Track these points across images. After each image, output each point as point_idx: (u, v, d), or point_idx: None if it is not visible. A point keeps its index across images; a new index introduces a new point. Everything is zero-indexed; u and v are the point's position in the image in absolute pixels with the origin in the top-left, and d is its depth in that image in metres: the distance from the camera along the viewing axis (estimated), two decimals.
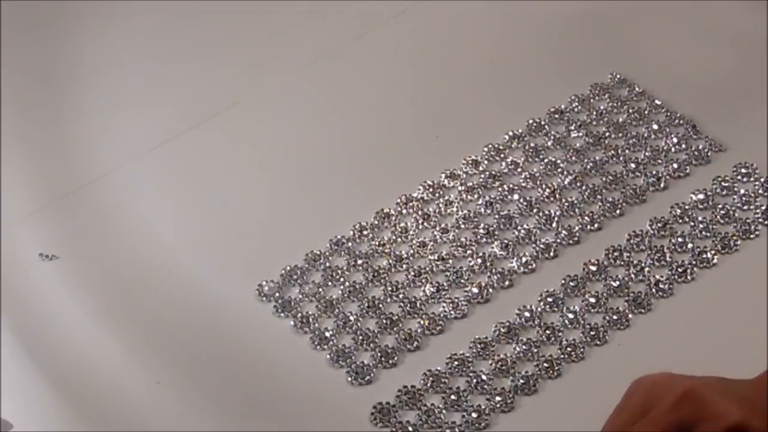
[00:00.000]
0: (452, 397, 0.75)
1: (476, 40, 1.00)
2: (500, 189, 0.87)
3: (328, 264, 0.84)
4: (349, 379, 0.77)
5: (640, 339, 0.78)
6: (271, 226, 0.87)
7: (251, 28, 1.03)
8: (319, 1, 1.04)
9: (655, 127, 0.90)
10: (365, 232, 0.85)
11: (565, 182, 0.87)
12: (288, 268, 0.83)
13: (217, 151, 0.93)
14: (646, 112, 0.91)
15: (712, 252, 0.82)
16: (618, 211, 0.85)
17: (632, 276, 0.81)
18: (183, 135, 0.94)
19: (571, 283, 0.81)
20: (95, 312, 0.82)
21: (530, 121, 0.91)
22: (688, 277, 0.81)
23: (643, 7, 1.00)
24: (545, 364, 0.76)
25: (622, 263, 0.82)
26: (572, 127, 0.91)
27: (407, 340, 0.79)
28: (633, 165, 0.88)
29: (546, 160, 0.89)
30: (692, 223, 0.83)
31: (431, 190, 0.88)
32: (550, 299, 0.80)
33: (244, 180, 0.91)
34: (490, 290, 0.81)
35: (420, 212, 0.86)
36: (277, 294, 0.82)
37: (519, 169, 0.88)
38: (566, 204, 0.86)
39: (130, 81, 0.99)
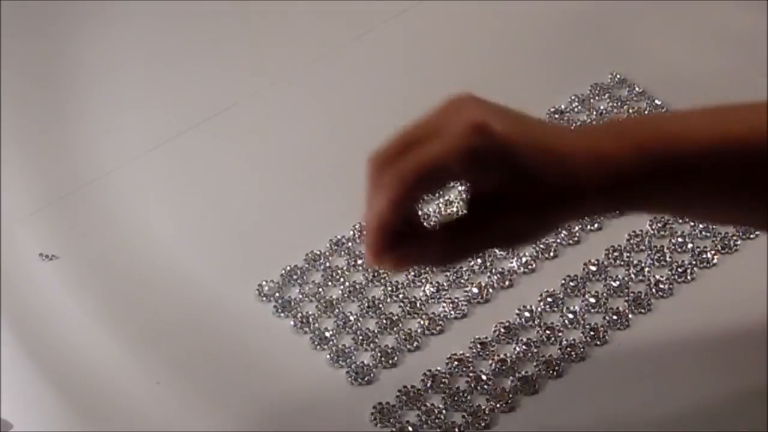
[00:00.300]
0: (452, 397, 0.75)
1: (476, 40, 1.00)
2: None
3: (328, 264, 0.84)
4: (349, 379, 0.77)
5: (640, 339, 0.78)
6: (271, 226, 0.87)
7: (251, 28, 1.03)
8: (319, 1, 1.04)
9: None
10: (365, 232, 0.85)
11: None
12: (288, 268, 0.83)
13: (217, 151, 0.93)
14: (646, 112, 0.91)
15: (712, 252, 0.82)
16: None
17: (632, 276, 0.81)
18: (183, 135, 0.94)
19: (571, 283, 0.81)
20: (95, 312, 0.82)
21: None
22: (688, 277, 0.81)
23: (643, 7, 1.00)
24: (545, 365, 0.76)
25: (622, 263, 0.82)
26: (572, 127, 0.91)
27: (407, 340, 0.79)
28: None
29: None
30: (692, 223, 0.83)
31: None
32: (550, 299, 0.80)
33: (244, 180, 0.91)
34: (490, 290, 0.81)
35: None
36: (277, 294, 0.82)
37: None
38: None
39: (130, 81, 0.99)
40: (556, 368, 0.76)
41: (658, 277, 0.81)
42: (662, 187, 0.66)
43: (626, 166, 0.65)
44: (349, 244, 0.85)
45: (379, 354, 0.78)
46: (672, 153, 0.66)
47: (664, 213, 0.79)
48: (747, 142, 0.66)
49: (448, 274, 0.82)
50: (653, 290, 0.80)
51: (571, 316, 0.79)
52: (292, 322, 0.80)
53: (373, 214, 0.64)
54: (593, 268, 0.81)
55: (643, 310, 0.79)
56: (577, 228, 0.84)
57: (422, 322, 0.79)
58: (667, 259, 0.82)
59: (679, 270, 0.81)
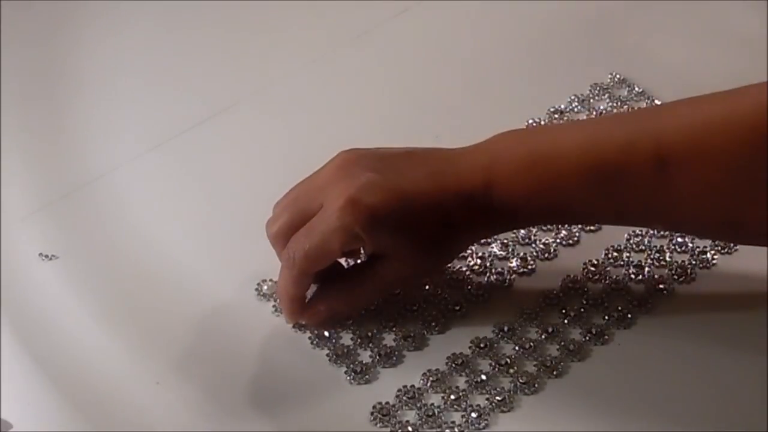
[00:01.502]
0: (452, 397, 0.75)
1: (476, 40, 1.00)
2: None
3: None
4: (349, 378, 0.77)
5: (641, 339, 0.78)
6: None
7: (251, 28, 1.03)
8: (319, 1, 1.04)
9: None
10: None
11: None
12: None
13: (217, 151, 0.93)
14: None
15: (712, 252, 0.82)
16: None
17: (632, 276, 0.81)
18: (183, 135, 0.94)
19: (571, 284, 0.81)
20: (95, 312, 0.82)
21: (530, 121, 0.91)
22: (688, 277, 0.81)
23: (643, 7, 1.00)
24: (545, 365, 0.76)
25: (622, 263, 0.82)
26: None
27: (407, 339, 0.78)
28: None
29: None
30: None
31: None
32: (550, 299, 0.80)
33: (244, 180, 0.91)
34: (490, 290, 0.81)
35: None
36: (276, 293, 0.82)
37: None
38: None
39: (130, 81, 0.99)
40: (556, 368, 0.76)
41: (658, 276, 0.81)
42: (532, 206, 0.73)
43: (489, 199, 0.73)
44: None
45: (378, 354, 0.78)
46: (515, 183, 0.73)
47: (554, 223, 0.83)
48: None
49: (447, 275, 0.82)
50: (653, 290, 0.80)
51: (571, 315, 0.79)
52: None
53: (281, 289, 0.77)
54: (593, 269, 0.81)
55: (643, 310, 0.79)
56: (576, 228, 0.84)
57: (421, 322, 0.79)
58: (667, 259, 0.82)
59: (679, 270, 0.81)
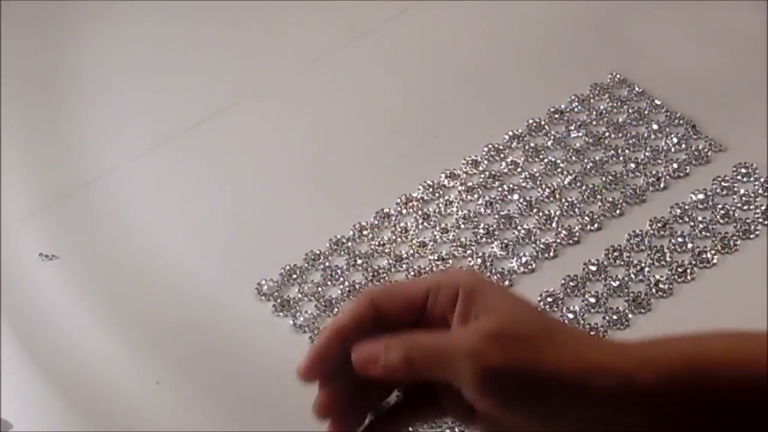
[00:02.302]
0: None
1: (476, 40, 1.00)
2: (500, 189, 0.87)
3: (327, 263, 0.84)
4: None
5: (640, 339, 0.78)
6: (271, 225, 0.87)
7: (251, 28, 1.03)
8: (319, 1, 1.04)
9: (655, 127, 0.90)
10: (365, 232, 0.85)
11: (565, 182, 0.87)
12: (287, 267, 0.83)
13: (217, 151, 0.93)
14: (646, 112, 0.91)
15: (712, 252, 0.82)
16: (618, 211, 0.85)
17: (632, 276, 0.81)
18: (183, 135, 0.94)
19: (571, 283, 0.81)
20: (95, 312, 0.82)
21: (530, 121, 0.91)
22: (688, 277, 0.81)
23: (643, 7, 1.00)
24: None
25: (622, 263, 0.82)
26: (572, 127, 0.91)
27: None
28: (633, 165, 0.88)
29: (546, 160, 0.89)
30: (692, 223, 0.83)
31: (431, 190, 0.88)
32: (550, 299, 0.80)
33: (244, 179, 0.91)
34: None
35: (420, 212, 0.86)
36: (276, 293, 0.82)
37: (519, 169, 0.88)
38: (566, 204, 0.86)
39: (130, 81, 0.99)
40: None
41: (658, 277, 0.81)
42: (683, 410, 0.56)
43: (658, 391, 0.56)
44: (349, 244, 0.85)
45: None
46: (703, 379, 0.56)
47: None
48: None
49: None
50: (653, 290, 0.80)
51: (571, 316, 0.79)
52: (291, 321, 0.80)
53: (330, 325, 0.62)
54: (593, 268, 0.81)
55: (642, 310, 0.79)
56: (576, 228, 0.84)
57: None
58: (667, 259, 0.82)
59: (679, 270, 0.81)
